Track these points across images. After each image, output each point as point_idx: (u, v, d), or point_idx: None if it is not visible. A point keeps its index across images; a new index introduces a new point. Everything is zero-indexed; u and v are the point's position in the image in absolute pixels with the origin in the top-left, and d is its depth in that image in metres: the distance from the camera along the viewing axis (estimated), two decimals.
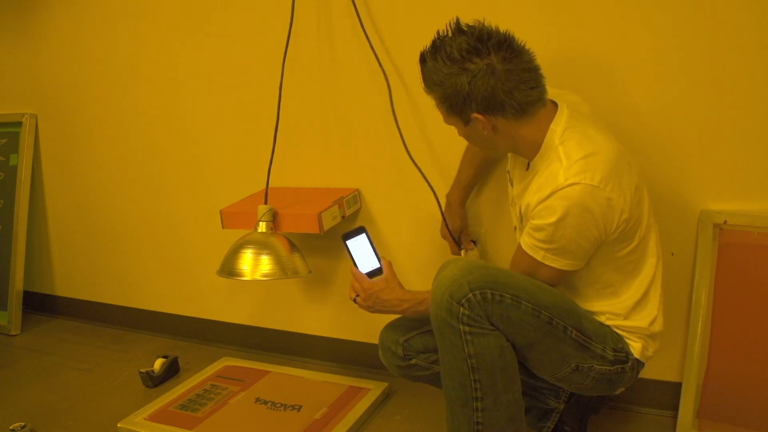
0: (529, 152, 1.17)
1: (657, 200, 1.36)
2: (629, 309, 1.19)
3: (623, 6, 1.34)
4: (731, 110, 1.31)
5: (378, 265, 1.36)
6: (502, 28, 1.10)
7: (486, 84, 1.07)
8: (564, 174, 1.07)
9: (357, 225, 1.37)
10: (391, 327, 1.39)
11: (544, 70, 1.13)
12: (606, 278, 1.19)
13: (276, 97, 1.61)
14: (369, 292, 1.34)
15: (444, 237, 1.56)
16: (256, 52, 1.76)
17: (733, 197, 1.35)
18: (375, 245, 1.38)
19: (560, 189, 1.06)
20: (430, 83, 1.13)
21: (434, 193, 1.49)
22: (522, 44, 1.10)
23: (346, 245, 1.35)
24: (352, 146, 1.70)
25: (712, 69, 1.30)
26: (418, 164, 1.51)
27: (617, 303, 1.20)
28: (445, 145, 1.57)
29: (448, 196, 1.53)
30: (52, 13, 2.09)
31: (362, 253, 1.36)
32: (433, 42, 1.12)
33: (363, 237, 1.37)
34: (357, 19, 1.57)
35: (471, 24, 1.10)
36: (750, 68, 1.27)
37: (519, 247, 1.18)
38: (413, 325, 1.36)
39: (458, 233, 1.54)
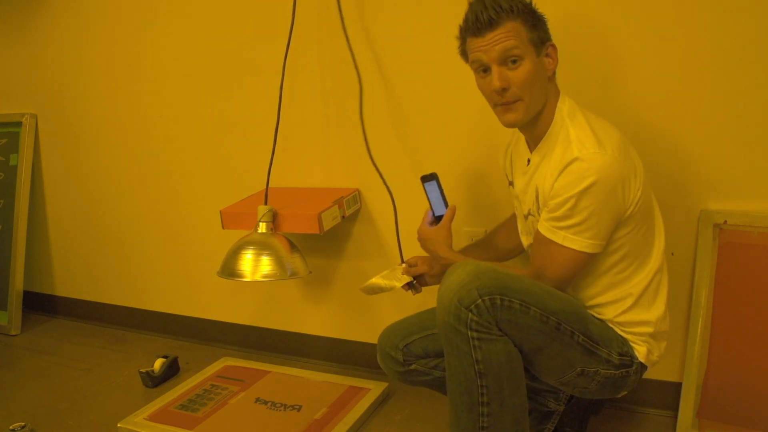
0: (537, 129, 1.19)
1: (657, 200, 1.36)
2: (638, 296, 1.19)
3: (622, 4, 1.34)
4: (731, 110, 1.31)
5: (443, 212, 1.38)
6: None
7: None
8: (578, 147, 1.09)
9: (430, 172, 1.40)
10: (389, 332, 1.38)
11: None
12: (618, 264, 1.18)
13: (276, 98, 1.61)
14: (420, 236, 1.38)
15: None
16: (256, 52, 1.76)
17: (733, 197, 1.35)
18: (444, 193, 1.39)
19: (578, 160, 1.08)
20: (521, 5, 1.13)
21: (391, 197, 1.51)
22: None
23: (424, 186, 1.39)
24: (352, 146, 1.70)
25: (712, 68, 1.30)
26: (397, 167, 1.53)
27: (628, 288, 1.19)
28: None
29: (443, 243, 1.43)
30: (52, 13, 2.09)
31: (434, 197, 1.39)
32: None
33: (434, 183, 1.39)
34: (359, 18, 1.57)
35: None
36: (750, 67, 1.27)
37: (536, 236, 1.18)
38: (412, 329, 1.36)
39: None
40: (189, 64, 1.89)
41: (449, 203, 1.38)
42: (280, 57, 1.62)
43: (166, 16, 1.88)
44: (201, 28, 1.83)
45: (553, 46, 1.16)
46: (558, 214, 1.12)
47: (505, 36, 1.11)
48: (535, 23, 1.14)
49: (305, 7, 1.63)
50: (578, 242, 1.12)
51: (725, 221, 1.35)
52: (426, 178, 1.39)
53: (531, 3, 1.15)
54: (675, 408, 1.42)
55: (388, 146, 1.65)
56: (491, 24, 1.11)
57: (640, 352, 1.20)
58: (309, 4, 1.64)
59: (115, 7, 1.97)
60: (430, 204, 1.39)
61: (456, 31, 1.18)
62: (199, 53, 1.86)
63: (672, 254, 1.42)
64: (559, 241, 1.13)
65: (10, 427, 1.59)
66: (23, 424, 1.61)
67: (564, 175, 1.10)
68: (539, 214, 1.19)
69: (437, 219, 1.38)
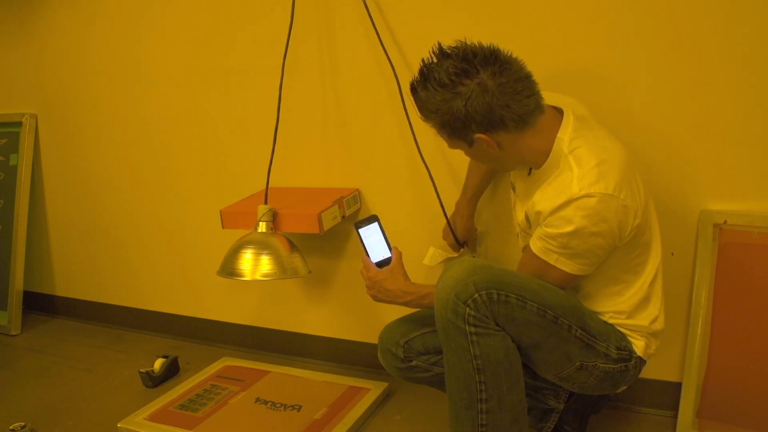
0: (537, 162, 1.16)
1: (657, 200, 1.36)
2: (633, 307, 1.20)
3: (620, 7, 1.34)
4: (731, 110, 1.31)
5: (389, 255, 1.36)
6: (486, 42, 1.09)
7: (481, 103, 1.06)
8: (578, 183, 1.06)
9: (370, 214, 1.38)
10: (390, 329, 1.38)
11: (541, 75, 1.12)
12: (613, 278, 1.19)
13: (276, 97, 1.61)
14: (373, 281, 1.34)
15: (445, 239, 1.56)
16: (256, 51, 1.76)
17: (733, 197, 1.35)
18: (387, 235, 1.38)
19: (576, 199, 1.06)
20: (426, 112, 1.13)
21: (438, 195, 1.49)
22: (509, 54, 1.09)
23: (359, 233, 1.35)
24: (352, 146, 1.70)
25: (712, 69, 1.30)
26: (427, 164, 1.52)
27: (621, 302, 1.20)
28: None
29: (457, 203, 1.53)
30: (52, 13, 2.09)
31: (374, 241, 1.36)
32: (421, 71, 1.11)
33: (375, 226, 1.37)
34: (359, 18, 1.57)
35: (454, 45, 1.10)
36: (749, 68, 1.27)
37: (528, 251, 1.17)
38: (413, 326, 1.36)
39: (464, 239, 1.54)
40: (189, 63, 1.89)
41: (392, 245, 1.37)
42: (280, 55, 1.62)
43: (166, 16, 1.88)
44: (201, 28, 1.83)
45: (480, 139, 1.11)
46: (551, 242, 1.11)
47: (437, 132, 1.17)
48: (446, 125, 1.11)
49: (304, 6, 1.63)
50: (570, 266, 1.12)
51: (725, 221, 1.35)
52: (363, 223, 1.36)
53: (442, 110, 1.09)
54: (675, 408, 1.42)
55: (390, 143, 1.65)
56: (423, 121, 1.16)
57: (638, 346, 1.21)
58: (308, 4, 1.64)
59: (115, 7, 1.97)
60: (366, 251, 1.35)
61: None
62: (198, 53, 1.86)
63: (672, 254, 1.42)
64: (552, 262, 1.13)
65: (10, 427, 1.59)
66: (23, 424, 1.60)
67: (558, 212, 1.08)
68: (531, 231, 1.19)
69: (382, 263, 1.36)
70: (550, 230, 1.10)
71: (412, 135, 1.51)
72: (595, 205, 1.05)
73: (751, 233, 1.34)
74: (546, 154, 1.13)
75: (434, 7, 1.50)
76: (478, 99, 1.06)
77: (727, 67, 1.29)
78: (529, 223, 1.21)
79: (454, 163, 1.57)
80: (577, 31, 1.39)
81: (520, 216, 1.26)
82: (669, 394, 1.48)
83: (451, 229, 1.52)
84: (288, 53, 1.62)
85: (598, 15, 1.36)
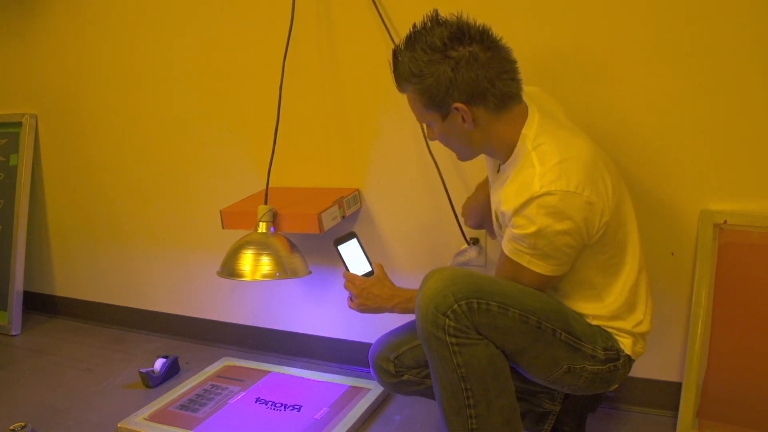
0: (502, 154, 1.16)
1: (657, 201, 1.37)
2: (612, 313, 1.18)
3: (619, 3, 1.34)
4: (731, 110, 1.31)
5: (370, 269, 1.38)
6: (480, 22, 1.10)
7: (470, 71, 1.06)
8: (539, 181, 1.05)
9: (348, 231, 1.40)
10: (380, 345, 1.36)
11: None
12: (587, 280, 1.17)
13: (276, 97, 1.61)
14: (361, 288, 1.35)
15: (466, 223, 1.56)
16: (256, 51, 1.76)
17: (733, 197, 1.35)
18: (366, 250, 1.40)
19: (537, 197, 1.04)
20: (408, 75, 1.11)
21: (447, 192, 1.50)
22: (498, 38, 1.10)
23: (338, 250, 1.37)
24: (353, 146, 1.70)
25: (712, 68, 1.30)
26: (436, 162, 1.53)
27: (601, 307, 1.18)
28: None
29: (477, 187, 1.49)
30: (52, 13, 2.09)
31: (354, 257, 1.38)
32: (408, 35, 1.11)
33: (354, 242, 1.39)
34: (360, 17, 1.57)
35: (448, 18, 1.10)
36: (750, 68, 1.27)
37: (502, 253, 1.16)
38: (402, 341, 1.34)
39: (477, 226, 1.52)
40: (189, 63, 1.89)
41: (373, 260, 1.39)
42: (280, 55, 1.62)
43: (166, 16, 1.88)
44: (201, 27, 1.83)
45: (458, 108, 1.09)
46: (519, 242, 1.10)
47: (411, 102, 1.16)
48: (426, 90, 1.10)
49: (305, 5, 1.64)
50: (543, 267, 1.11)
51: (725, 221, 1.35)
52: (342, 240, 1.37)
53: (426, 73, 1.08)
54: (675, 408, 1.42)
55: (390, 143, 1.65)
56: (399, 89, 1.16)
57: (626, 344, 1.20)
58: (309, 3, 1.64)
59: (115, 7, 1.97)
60: (347, 267, 1.36)
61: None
62: (199, 53, 1.86)
63: (672, 254, 1.42)
64: (525, 264, 1.12)
65: (10, 428, 1.59)
66: (23, 424, 1.60)
67: (521, 212, 1.07)
68: (502, 231, 1.18)
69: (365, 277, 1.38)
70: (516, 231, 1.09)
71: (422, 135, 1.52)
72: (557, 203, 1.04)
73: (751, 233, 1.34)
74: (512, 147, 1.13)
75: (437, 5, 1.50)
76: (468, 66, 1.06)
77: (727, 67, 1.29)
78: (500, 223, 1.20)
79: (461, 165, 1.57)
80: (577, 29, 1.39)
81: (493, 213, 1.26)
82: (669, 394, 1.49)
83: (460, 228, 1.53)
84: (288, 53, 1.62)
85: (598, 12, 1.36)
